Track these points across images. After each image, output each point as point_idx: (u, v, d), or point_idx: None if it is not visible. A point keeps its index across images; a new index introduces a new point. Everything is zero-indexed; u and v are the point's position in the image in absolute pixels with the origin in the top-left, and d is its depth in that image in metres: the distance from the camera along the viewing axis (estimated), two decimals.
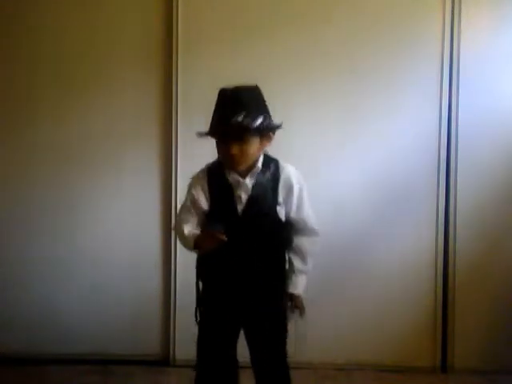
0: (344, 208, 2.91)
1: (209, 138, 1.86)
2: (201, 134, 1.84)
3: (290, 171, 1.87)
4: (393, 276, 2.93)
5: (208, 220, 1.88)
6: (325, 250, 2.90)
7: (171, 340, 2.98)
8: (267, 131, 1.82)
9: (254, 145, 1.79)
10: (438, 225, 2.91)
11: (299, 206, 1.88)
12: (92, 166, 3.00)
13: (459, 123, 2.88)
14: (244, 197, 1.82)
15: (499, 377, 2.82)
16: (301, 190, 1.88)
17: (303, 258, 1.92)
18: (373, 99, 2.90)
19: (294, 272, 1.91)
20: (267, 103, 1.86)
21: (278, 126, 1.84)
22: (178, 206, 2.89)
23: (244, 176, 1.82)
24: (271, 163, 1.87)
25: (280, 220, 1.86)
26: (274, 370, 1.92)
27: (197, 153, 2.76)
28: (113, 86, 2.98)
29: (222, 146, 1.80)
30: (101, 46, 2.98)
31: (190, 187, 1.92)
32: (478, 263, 2.92)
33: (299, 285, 1.93)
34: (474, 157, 2.89)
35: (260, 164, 1.84)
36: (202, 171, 1.92)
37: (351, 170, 2.92)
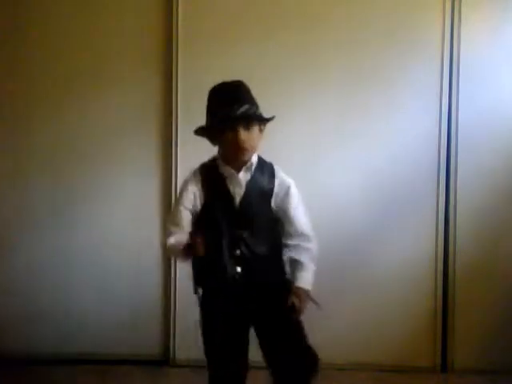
0: (343, 208, 2.91)
1: (205, 137, 1.90)
2: (199, 130, 1.89)
3: (284, 176, 1.93)
4: (393, 276, 2.93)
5: (205, 214, 1.88)
6: (324, 250, 2.93)
7: (171, 340, 2.98)
8: (265, 122, 1.89)
9: (256, 134, 1.86)
10: (438, 225, 2.91)
11: (295, 211, 1.91)
12: (92, 165, 3.00)
13: (459, 123, 2.88)
14: (239, 191, 1.86)
15: (499, 377, 2.81)
16: (297, 196, 1.92)
17: (308, 256, 1.91)
18: (372, 100, 2.90)
19: (302, 267, 1.90)
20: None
21: (272, 119, 1.89)
22: None
23: (238, 170, 1.87)
24: (266, 164, 1.92)
25: (274, 218, 1.91)
26: (294, 363, 1.90)
27: (197, 152, 2.77)
28: (113, 86, 2.98)
29: (227, 137, 1.82)
30: (101, 45, 2.98)
31: (182, 188, 1.94)
32: (477, 263, 2.91)
33: (307, 279, 1.91)
34: (474, 157, 2.89)
35: (255, 160, 1.89)
36: (194, 171, 1.94)
37: (351, 171, 2.92)
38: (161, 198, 2.99)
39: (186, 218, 1.89)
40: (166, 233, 1.92)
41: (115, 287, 3.01)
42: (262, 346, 1.91)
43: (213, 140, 1.90)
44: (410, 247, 2.92)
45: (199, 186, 1.89)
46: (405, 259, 2.92)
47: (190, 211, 1.89)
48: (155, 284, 3.00)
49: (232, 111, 1.79)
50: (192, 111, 2.87)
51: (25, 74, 3.00)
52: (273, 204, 1.89)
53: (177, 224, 1.89)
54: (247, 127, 1.82)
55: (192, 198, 1.89)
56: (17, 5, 2.99)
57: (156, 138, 2.98)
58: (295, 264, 1.91)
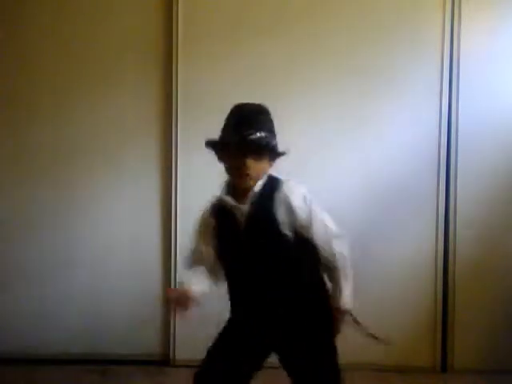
0: (343, 208, 2.90)
1: (213, 151, 1.80)
2: (210, 143, 1.78)
3: (288, 190, 1.76)
4: (393, 276, 2.93)
5: (219, 249, 1.81)
6: None
7: (171, 340, 2.99)
8: (277, 155, 1.78)
9: (264, 165, 1.75)
10: (438, 225, 2.91)
11: (308, 222, 1.76)
12: (92, 166, 3.00)
13: (459, 123, 2.89)
14: (242, 220, 1.75)
15: (499, 377, 2.81)
16: (305, 206, 1.77)
17: (339, 270, 1.79)
18: (373, 100, 2.90)
19: (334, 286, 1.79)
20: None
21: (284, 153, 1.79)
22: (178, 206, 2.92)
23: (240, 199, 1.76)
24: (272, 183, 1.78)
25: (288, 239, 1.76)
26: None
27: (197, 153, 2.77)
28: (113, 87, 2.98)
29: (233, 160, 1.73)
30: (101, 46, 2.98)
31: (198, 226, 1.85)
32: (478, 263, 2.92)
33: (342, 297, 1.78)
34: (473, 157, 2.89)
35: (258, 187, 1.76)
36: (209, 205, 1.84)
37: (351, 171, 2.92)
38: (161, 199, 2.99)
39: (210, 254, 1.81)
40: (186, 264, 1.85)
41: (115, 287, 3.01)
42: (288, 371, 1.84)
43: (220, 158, 1.79)
44: (410, 247, 2.92)
45: (212, 215, 1.80)
46: (405, 259, 2.92)
47: (211, 245, 1.81)
48: (155, 284, 3.00)
49: (245, 136, 1.68)
50: (192, 113, 2.88)
51: (25, 77, 3.00)
52: (281, 222, 1.73)
53: (199, 260, 1.82)
54: (257, 156, 1.71)
55: (208, 229, 1.81)
56: (18, 6, 2.99)
57: (156, 139, 2.98)
58: (330, 279, 1.80)
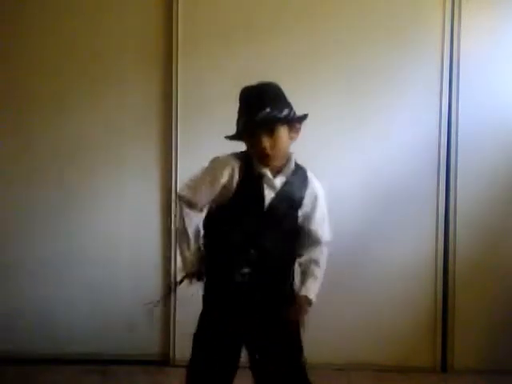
0: (343, 208, 2.90)
1: (238, 141, 1.82)
2: (229, 137, 1.81)
3: (316, 182, 1.88)
4: (393, 276, 2.93)
5: (230, 212, 1.79)
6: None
7: (171, 340, 2.99)
8: (294, 121, 1.80)
9: (283, 137, 1.77)
10: (438, 225, 2.91)
11: (320, 219, 1.87)
12: (92, 166, 3.00)
13: (459, 123, 2.89)
14: (270, 193, 1.79)
15: (499, 377, 2.81)
16: (323, 205, 1.88)
17: (318, 266, 1.87)
18: (373, 100, 2.90)
19: (310, 277, 1.86)
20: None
21: (305, 117, 1.82)
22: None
23: (275, 173, 1.80)
24: (300, 170, 1.86)
25: (296, 226, 1.85)
26: None
27: (197, 152, 2.77)
28: (113, 87, 2.98)
29: (252, 143, 1.76)
30: (101, 46, 2.98)
31: (216, 166, 1.81)
32: (477, 263, 2.92)
33: (313, 289, 1.86)
34: (473, 157, 2.89)
35: (292, 165, 1.82)
36: (231, 156, 1.82)
37: (351, 170, 2.92)
38: (161, 199, 2.99)
39: (206, 197, 1.80)
40: (180, 209, 1.82)
41: (115, 287, 3.01)
42: (252, 363, 1.87)
43: (245, 143, 1.83)
44: (410, 247, 2.92)
45: (236, 170, 1.78)
46: (405, 259, 2.92)
47: (214, 190, 1.79)
48: (155, 284, 3.00)
49: (251, 117, 1.73)
50: (192, 113, 2.88)
51: (26, 76, 3.00)
52: (300, 213, 1.84)
53: (195, 203, 1.80)
54: (270, 132, 1.74)
55: (225, 177, 1.78)
56: (18, 6, 2.99)
57: (156, 139, 2.98)
58: (307, 271, 1.86)
